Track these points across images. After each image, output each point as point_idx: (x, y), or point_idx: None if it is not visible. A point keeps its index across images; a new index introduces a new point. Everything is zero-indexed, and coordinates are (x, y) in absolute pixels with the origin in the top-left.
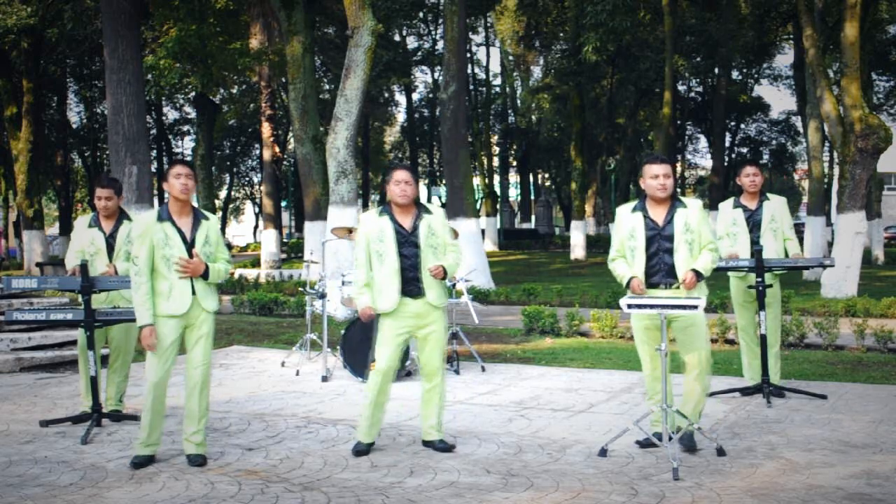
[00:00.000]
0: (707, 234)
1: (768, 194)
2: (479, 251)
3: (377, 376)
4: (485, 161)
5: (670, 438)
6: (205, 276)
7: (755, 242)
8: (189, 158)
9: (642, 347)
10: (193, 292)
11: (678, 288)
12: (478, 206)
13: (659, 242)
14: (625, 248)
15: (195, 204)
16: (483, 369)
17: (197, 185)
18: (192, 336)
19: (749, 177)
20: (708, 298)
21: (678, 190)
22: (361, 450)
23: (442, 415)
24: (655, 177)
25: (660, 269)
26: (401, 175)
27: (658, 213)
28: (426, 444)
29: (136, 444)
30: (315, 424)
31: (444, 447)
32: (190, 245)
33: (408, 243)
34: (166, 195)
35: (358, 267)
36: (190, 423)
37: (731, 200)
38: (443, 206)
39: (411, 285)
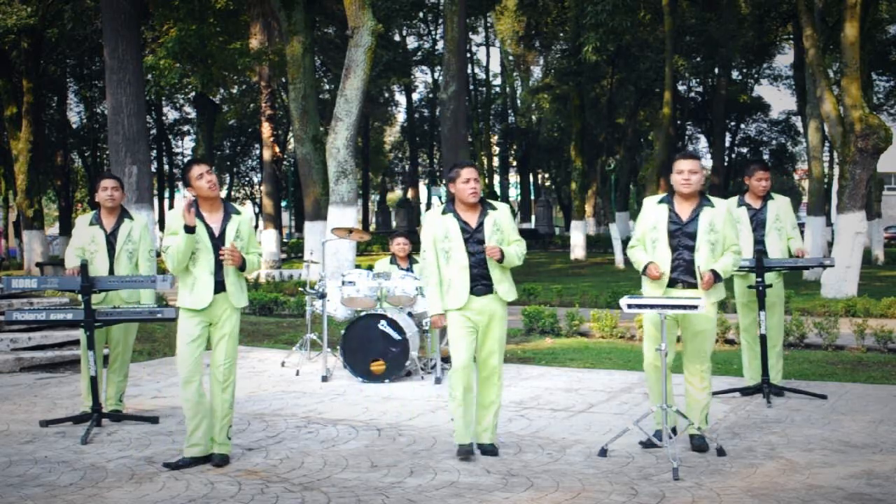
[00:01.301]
0: (732, 237)
1: (772, 194)
2: None
3: (459, 374)
4: (485, 161)
5: (670, 438)
6: (242, 267)
7: (759, 242)
8: (189, 158)
9: (649, 348)
10: (219, 289)
11: (695, 287)
12: None
13: (680, 238)
14: (646, 239)
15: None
16: None
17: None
18: (216, 334)
19: (761, 181)
20: (722, 294)
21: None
22: (467, 451)
23: (496, 418)
24: (681, 172)
25: (679, 266)
26: (468, 173)
27: (684, 209)
28: (478, 445)
29: (185, 445)
30: (315, 424)
31: (491, 450)
32: (218, 240)
33: (473, 240)
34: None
35: (428, 271)
36: (214, 422)
37: (735, 199)
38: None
39: (477, 282)
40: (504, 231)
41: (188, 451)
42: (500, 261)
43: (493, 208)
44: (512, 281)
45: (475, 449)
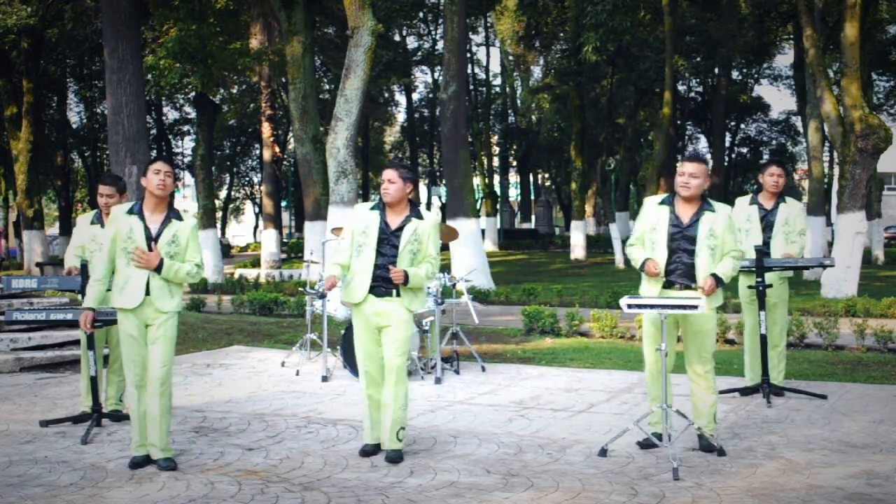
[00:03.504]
0: (731, 242)
1: (786, 197)
2: (479, 251)
3: (361, 379)
4: (485, 161)
5: (670, 438)
6: (158, 269)
7: (765, 243)
8: (188, 158)
9: (649, 349)
10: (148, 291)
11: (692, 290)
12: (478, 206)
13: (680, 241)
14: (645, 239)
15: (195, 204)
16: (483, 369)
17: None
18: (150, 336)
19: (773, 177)
20: (721, 299)
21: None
22: (365, 451)
23: (396, 423)
24: (682, 174)
25: (677, 269)
26: (385, 174)
27: (685, 212)
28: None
29: (131, 445)
30: (315, 424)
31: (391, 458)
32: (153, 241)
33: (388, 242)
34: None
35: (340, 250)
36: (150, 428)
37: (748, 197)
38: (442, 206)
39: (380, 284)
40: (422, 242)
41: (138, 451)
42: (404, 283)
43: (419, 217)
44: (419, 294)
45: (377, 451)
